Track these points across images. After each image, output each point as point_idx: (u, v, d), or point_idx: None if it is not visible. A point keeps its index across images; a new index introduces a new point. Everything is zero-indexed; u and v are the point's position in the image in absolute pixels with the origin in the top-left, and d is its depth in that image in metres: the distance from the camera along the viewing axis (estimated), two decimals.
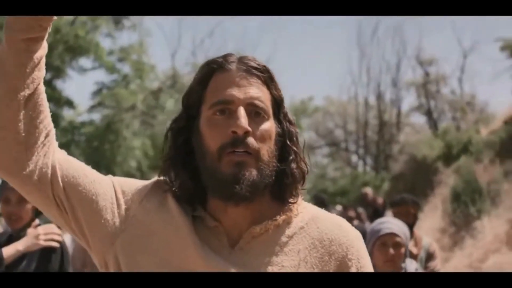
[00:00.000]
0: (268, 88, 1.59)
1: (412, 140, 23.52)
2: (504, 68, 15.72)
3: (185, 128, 1.61)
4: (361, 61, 36.68)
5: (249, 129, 1.51)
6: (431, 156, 18.10)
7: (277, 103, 1.60)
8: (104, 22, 17.35)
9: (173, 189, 1.60)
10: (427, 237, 5.79)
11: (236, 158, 1.50)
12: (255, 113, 1.54)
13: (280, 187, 1.59)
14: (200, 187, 1.58)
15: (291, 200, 1.61)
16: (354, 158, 33.65)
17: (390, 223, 3.85)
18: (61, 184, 1.55)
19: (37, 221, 3.37)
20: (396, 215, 5.17)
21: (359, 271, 1.56)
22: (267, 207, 1.59)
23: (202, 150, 1.55)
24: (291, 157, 1.59)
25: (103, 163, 16.07)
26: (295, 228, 1.57)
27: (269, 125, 1.56)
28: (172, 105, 18.82)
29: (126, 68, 18.88)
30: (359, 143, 32.98)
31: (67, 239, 5.41)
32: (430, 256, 5.26)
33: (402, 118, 31.63)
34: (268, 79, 1.59)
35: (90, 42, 16.64)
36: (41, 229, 3.30)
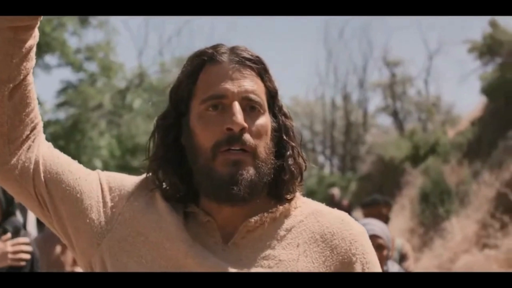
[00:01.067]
0: (262, 80, 1.51)
1: (379, 141, 23.68)
2: (471, 70, 15.86)
3: (173, 125, 1.52)
4: (328, 62, 36.81)
5: (245, 125, 1.43)
6: (398, 157, 18.27)
7: (272, 95, 1.52)
8: (70, 20, 17.12)
9: (162, 189, 1.52)
10: (399, 238, 5.79)
11: (232, 156, 1.42)
12: (250, 108, 1.46)
13: (277, 184, 1.51)
14: (192, 188, 1.50)
15: (288, 196, 1.53)
16: (320, 158, 33.78)
17: (372, 224, 3.85)
18: (43, 180, 1.48)
19: (8, 235, 3.16)
20: (368, 216, 5.14)
21: (365, 266, 1.49)
22: (264, 205, 1.50)
23: (194, 149, 1.46)
24: (288, 153, 1.51)
25: None
26: (293, 221, 1.50)
27: (265, 120, 1.48)
28: (139, 104, 18.67)
29: (92, 67, 18.72)
30: (325, 144, 33.21)
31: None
32: (403, 257, 5.28)
33: (369, 119, 31.87)
34: (262, 70, 1.51)
35: (56, 39, 16.45)
36: (10, 246, 3.11)
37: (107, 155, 17.49)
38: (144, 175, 1.56)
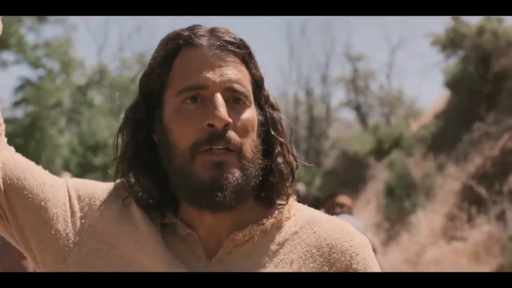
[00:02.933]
0: (247, 67, 1.30)
1: (343, 136, 23.74)
2: (434, 63, 15.93)
3: (145, 120, 1.31)
4: (291, 59, 36.78)
5: (230, 120, 1.22)
6: (362, 151, 18.31)
7: (258, 85, 1.32)
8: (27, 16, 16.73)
9: (135, 195, 1.32)
10: (368, 232, 5.69)
11: (215, 157, 1.23)
12: (234, 100, 1.26)
13: (266, 186, 1.31)
14: (168, 192, 1.30)
15: (279, 201, 1.33)
16: None
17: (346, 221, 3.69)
18: (1, 187, 1.29)
19: None
20: (329, 209, 5.00)
21: None
22: (251, 211, 1.31)
23: (169, 149, 1.26)
24: (276, 150, 1.32)
25: None
26: (286, 234, 1.30)
27: (251, 113, 1.28)
28: (100, 101, 18.37)
29: (51, 63, 18.32)
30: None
31: None
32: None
33: (332, 114, 31.92)
34: (246, 55, 1.30)
35: (13, 34, 16.06)
36: None
37: (68, 153, 17.17)
38: (117, 181, 1.35)
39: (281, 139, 1.32)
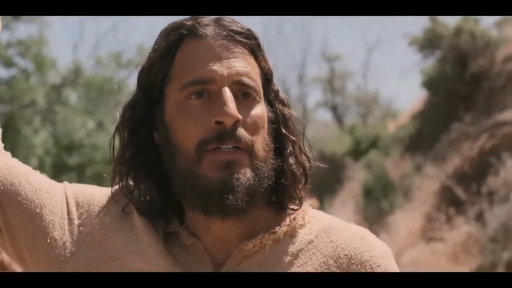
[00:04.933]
0: (256, 59, 1.20)
1: (320, 136, 23.74)
2: (411, 64, 15.98)
3: (145, 118, 1.20)
4: (267, 57, 36.70)
5: (240, 117, 1.12)
6: (339, 152, 18.31)
7: (267, 79, 1.22)
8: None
9: (134, 201, 1.21)
10: None
11: (224, 156, 1.13)
12: (243, 94, 1.16)
13: (277, 189, 1.21)
14: (171, 197, 1.20)
15: (292, 206, 1.22)
16: None
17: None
18: None
19: None
20: None
21: None
22: (262, 217, 1.20)
23: (172, 149, 1.16)
24: (288, 150, 1.21)
25: None
26: (301, 243, 1.20)
27: (261, 109, 1.18)
28: (75, 100, 18.14)
29: (24, 62, 18.06)
30: None
31: None
32: None
33: (308, 114, 31.93)
34: (255, 47, 1.20)
35: None
36: None
37: (43, 153, 16.94)
38: (116, 186, 1.25)
39: (293, 137, 1.22)
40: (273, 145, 1.19)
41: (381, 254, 1.20)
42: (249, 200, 1.12)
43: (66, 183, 1.28)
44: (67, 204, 1.23)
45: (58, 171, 16.76)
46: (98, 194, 1.25)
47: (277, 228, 1.19)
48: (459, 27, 13.65)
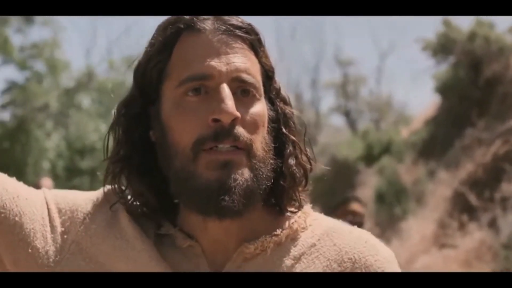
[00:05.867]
0: (257, 55, 1.16)
1: (332, 141, 23.70)
2: (424, 68, 15.86)
3: (140, 115, 1.16)
4: (280, 62, 36.69)
5: (238, 115, 1.08)
6: (352, 157, 18.24)
7: (268, 76, 1.18)
8: (14, 16, 16.57)
9: (125, 202, 1.17)
10: None
11: (221, 156, 1.09)
12: (242, 91, 1.12)
13: (276, 191, 1.16)
14: (166, 197, 1.15)
15: (291, 208, 1.18)
16: None
17: None
18: None
19: None
20: (340, 216, 4.81)
21: None
22: (261, 220, 1.16)
23: (168, 148, 1.12)
24: (288, 150, 1.17)
25: (14, 165, 15.40)
26: (303, 247, 1.16)
27: (261, 107, 1.14)
28: (88, 104, 18.20)
29: (38, 65, 18.14)
30: None
31: None
32: None
33: (321, 119, 31.85)
34: (256, 42, 1.16)
35: None
36: None
37: (55, 156, 16.99)
38: (103, 188, 1.21)
39: (294, 138, 1.18)
40: (273, 145, 1.15)
41: (385, 259, 1.17)
42: (247, 202, 1.08)
43: (45, 189, 1.22)
44: (48, 210, 1.17)
45: (70, 175, 16.81)
46: (81, 200, 1.20)
47: (279, 231, 1.15)
48: (473, 31, 13.54)
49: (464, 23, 14.19)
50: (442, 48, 14.53)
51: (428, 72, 15.51)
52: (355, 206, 4.94)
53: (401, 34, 43.48)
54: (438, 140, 13.87)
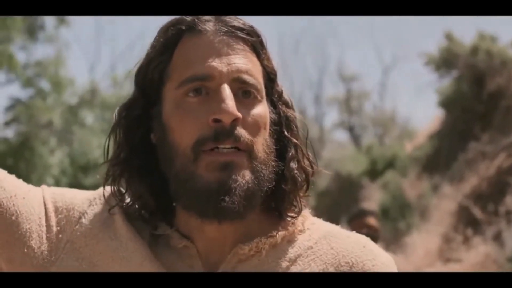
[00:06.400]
0: (258, 57, 1.15)
1: (336, 156, 23.68)
2: (427, 83, 15.86)
3: (141, 117, 1.16)
4: (283, 77, 36.65)
5: (239, 115, 1.07)
6: (356, 172, 18.21)
7: (270, 78, 1.17)
8: (18, 34, 16.64)
9: (124, 205, 1.16)
10: None
11: (221, 157, 1.08)
12: (244, 93, 1.11)
13: (276, 195, 1.15)
14: (165, 200, 1.15)
15: (291, 213, 1.17)
16: None
17: None
18: None
19: None
20: (355, 228, 4.75)
21: None
22: (258, 223, 1.15)
23: (169, 149, 1.11)
24: (290, 154, 1.16)
25: None
26: (299, 249, 1.15)
27: (263, 109, 1.13)
28: (91, 121, 18.22)
29: (42, 82, 18.19)
30: None
31: None
32: None
33: (325, 134, 31.83)
34: (258, 44, 1.15)
35: (3, 54, 15.93)
36: None
37: (59, 173, 16.99)
38: (100, 189, 1.20)
39: (295, 141, 1.17)
40: (274, 147, 1.14)
41: (384, 263, 1.15)
42: (247, 204, 1.07)
43: (44, 187, 1.22)
44: (45, 210, 1.17)
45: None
46: (78, 199, 1.19)
47: (274, 232, 1.14)
48: (476, 45, 13.55)
49: (466, 37, 14.22)
50: (445, 62, 14.53)
51: (432, 87, 15.51)
52: (371, 220, 4.88)
53: (404, 49, 43.52)
54: (442, 154, 13.83)
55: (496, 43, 13.68)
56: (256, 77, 1.13)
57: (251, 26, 1.15)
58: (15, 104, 18.27)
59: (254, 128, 1.10)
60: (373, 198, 15.79)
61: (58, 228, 1.16)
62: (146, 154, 1.16)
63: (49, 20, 17.32)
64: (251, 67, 1.12)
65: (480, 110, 12.92)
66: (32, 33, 17.47)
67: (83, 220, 1.17)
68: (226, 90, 1.08)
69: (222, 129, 1.07)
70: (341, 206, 15.94)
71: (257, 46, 1.15)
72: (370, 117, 29.05)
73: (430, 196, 13.05)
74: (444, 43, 14.48)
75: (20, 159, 16.61)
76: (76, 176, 17.35)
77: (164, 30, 1.15)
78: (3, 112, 18.18)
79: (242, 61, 1.11)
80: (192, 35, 1.13)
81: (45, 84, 18.24)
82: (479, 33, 13.80)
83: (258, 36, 1.15)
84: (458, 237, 10.69)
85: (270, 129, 1.14)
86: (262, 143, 1.11)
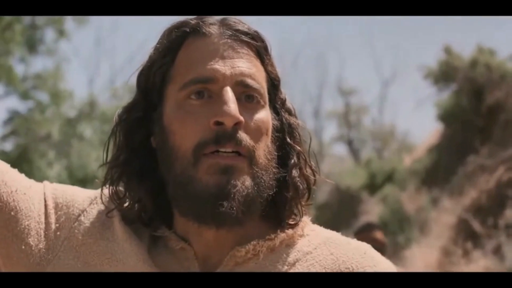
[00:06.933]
0: (262, 62, 1.13)
1: (335, 170, 23.68)
2: (426, 96, 15.88)
3: (142, 120, 1.14)
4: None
5: (241, 118, 1.05)
6: (355, 186, 18.20)
7: (274, 84, 1.15)
8: (17, 46, 16.68)
9: (122, 208, 1.14)
10: None
11: (222, 160, 1.05)
12: (247, 97, 1.09)
13: (276, 202, 1.13)
14: (164, 205, 1.13)
15: (291, 221, 1.14)
16: None
17: None
18: None
19: None
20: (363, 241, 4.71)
21: None
22: (257, 230, 1.12)
23: (169, 152, 1.09)
24: (292, 161, 1.14)
25: None
26: (298, 253, 1.12)
27: (265, 114, 1.11)
28: (90, 134, 18.22)
29: (40, 95, 18.21)
30: None
31: None
32: None
33: (324, 148, 31.84)
34: (262, 49, 1.13)
35: (2, 66, 15.97)
36: None
37: None
38: (101, 189, 1.18)
39: (298, 148, 1.15)
40: (276, 153, 1.12)
41: (385, 270, 1.13)
42: (246, 210, 1.05)
43: (46, 183, 1.21)
44: (45, 206, 1.16)
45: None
46: (80, 196, 1.18)
47: (272, 235, 1.11)
48: (474, 59, 13.58)
49: (465, 50, 14.25)
50: (444, 75, 14.55)
51: (430, 100, 15.52)
52: (378, 234, 4.86)
53: (403, 62, 43.66)
54: (441, 168, 13.82)
55: (495, 56, 13.72)
56: (260, 82, 1.11)
57: (256, 31, 1.13)
58: (13, 117, 18.28)
59: (256, 133, 1.08)
60: (372, 211, 15.77)
61: (57, 225, 1.15)
62: (146, 157, 1.14)
63: (49, 33, 17.36)
64: (255, 71, 1.11)
65: (479, 123, 12.93)
66: (31, 46, 17.52)
67: (82, 218, 1.15)
68: (229, 92, 1.06)
69: (224, 132, 1.05)
70: (340, 220, 15.91)
71: (261, 51, 1.13)
72: (369, 130, 29.08)
73: (429, 209, 13.03)
74: (443, 57, 14.51)
75: (18, 171, 16.62)
76: None
77: (168, 33, 1.13)
78: (1, 125, 18.20)
79: (246, 65, 1.10)
80: (196, 37, 1.11)
81: (44, 97, 18.27)
82: (478, 46, 13.83)
83: (262, 41, 1.14)
84: (458, 250, 10.66)
85: (272, 136, 1.12)
86: (264, 149, 1.09)
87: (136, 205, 1.15)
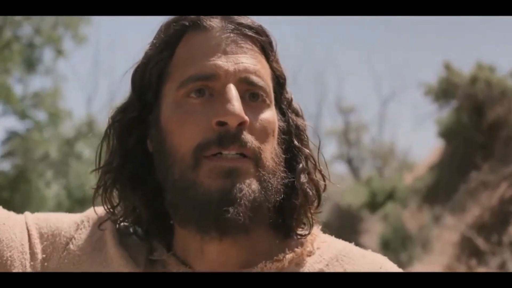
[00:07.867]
0: (267, 59, 1.04)
1: (336, 189, 23.66)
2: (427, 113, 15.83)
3: (137, 122, 1.04)
4: None
5: (246, 118, 0.96)
6: (356, 204, 18.14)
7: (279, 83, 1.06)
8: (15, 66, 16.69)
9: (115, 219, 1.06)
10: None
11: (225, 163, 0.96)
12: (251, 95, 1.00)
13: (284, 210, 1.04)
14: (161, 217, 1.03)
15: (300, 231, 1.05)
16: None
17: None
18: None
19: None
20: None
21: None
22: (264, 242, 1.04)
23: (167, 156, 0.99)
24: (300, 165, 1.05)
25: None
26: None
27: (271, 114, 1.02)
28: (89, 154, 18.21)
29: (39, 115, 18.22)
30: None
31: None
32: None
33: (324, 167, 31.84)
34: (267, 45, 1.04)
35: (1, 86, 15.99)
36: None
37: (55, 206, 16.91)
38: (89, 210, 1.10)
39: (307, 151, 1.06)
40: (283, 156, 1.03)
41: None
42: (253, 217, 0.95)
43: (27, 213, 1.11)
44: (28, 236, 1.07)
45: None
46: (65, 223, 1.09)
47: (281, 256, 1.02)
48: (474, 76, 13.55)
49: (465, 67, 14.25)
50: (444, 92, 14.52)
51: (431, 117, 15.47)
52: None
53: (402, 80, 43.76)
54: (443, 185, 13.75)
55: (495, 73, 13.70)
56: (265, 79, 1.02)
57: (260, 25, 1.04)
58: (11, 137, 18.26)
59: (262, 134, 0.99)
60: (373, 230, 15.68)
61: (44, 255, 1.07)
62: (141, 161, 1.05)
63: (47, 53, 17.38)
64: (260, 68, 1.02)
65: (480, 140, 12.88)
66: (29, 65, 17.53)
67: (71, 246, 1.07)
68: (232, 90, 0.97)
69: (227, 133, 0.96)
70: (341, 238, 15.80)
71: (266, 47, 1.05)
72: (369, 149, 29.04)
73: (431, 227, 12.95)
74: (443, 73, 14.47)
75: (16, 192, 16.57)
76: (73, 209, 17.27)
77: (165, 27, 1.04)
78: None
79: (250, 61, 1.01)
80: (197, 31, 1.02)
81: (42, 116, 18.27)
82: (478, 63, 13.81)
83: (267, 36, 1.05)
84: (462, 268, 10.57)
85: (278, 138, 1.03)
86: (271, 151, 1.00)
87: (131, 216, 1.06)
